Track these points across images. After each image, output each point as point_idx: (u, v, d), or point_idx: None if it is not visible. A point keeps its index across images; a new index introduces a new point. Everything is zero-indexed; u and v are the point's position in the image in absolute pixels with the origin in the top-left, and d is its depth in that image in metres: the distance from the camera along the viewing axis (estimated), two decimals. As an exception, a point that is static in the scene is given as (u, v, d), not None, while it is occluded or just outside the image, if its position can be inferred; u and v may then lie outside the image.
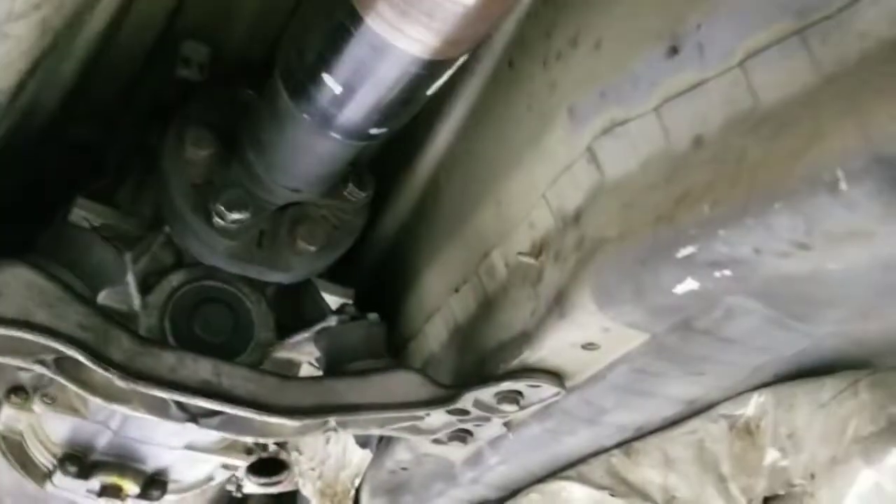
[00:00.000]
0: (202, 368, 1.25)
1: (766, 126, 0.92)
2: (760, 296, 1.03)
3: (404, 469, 1.90)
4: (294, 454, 2.55)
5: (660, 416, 1.39)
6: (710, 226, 0.96)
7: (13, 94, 1.10)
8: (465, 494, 1.84)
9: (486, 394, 1.38)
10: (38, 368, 1.23)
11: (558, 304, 1.21)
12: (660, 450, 1.40)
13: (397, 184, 1.64)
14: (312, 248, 1.36)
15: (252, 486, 2.62)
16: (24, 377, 1.62)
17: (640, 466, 1.43)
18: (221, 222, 1.27)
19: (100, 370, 1.16)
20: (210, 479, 1.85)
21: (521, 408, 1.39)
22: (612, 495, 1.45)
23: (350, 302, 1.54)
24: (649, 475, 1.42)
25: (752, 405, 1.27)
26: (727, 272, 0.98)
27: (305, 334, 1.47)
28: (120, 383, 1.18)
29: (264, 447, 1.69)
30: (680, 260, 1.00)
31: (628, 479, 1.44)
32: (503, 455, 1.64)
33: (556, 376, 1.32)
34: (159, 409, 1.31)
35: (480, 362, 1.45)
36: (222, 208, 1.26)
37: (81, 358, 1.15)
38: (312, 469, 2.36)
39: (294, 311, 1.52)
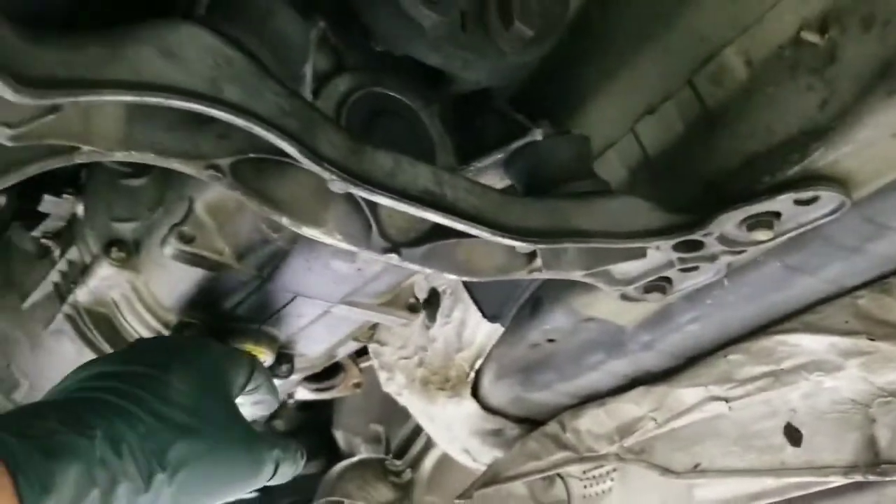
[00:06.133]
0: (422, 175, 0.97)
1: None
2: None
3: (551, 341, 1.65)
4: (373, 346, 2.30)
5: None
6: None
7: None
8: (628, 366, 1.60)
9: (734, 219, 1.13)
10: (208, 176, 0.93)
11: (885, 78, 0.95)
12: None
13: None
14: (530, 33, 1.07)
15: (304, 393, 2.37)
16: (124, 229, 1.31)
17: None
18: (433, -11, 0.98)
19: (313, 166, 0.87)
20: (332, 356, 1.58)
21: (774, 237, 1.15)
22: (872, 339, 1.22)
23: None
24: (924, 311, 1.20)
25: None
26: None
27: (499, 155, 1.18)
28: (336, 186, 0.89)
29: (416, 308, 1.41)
30: None
31: (890, 320, 1.21)
32: (702, 310, 1.40)
33: (841, 184, 1.07)
34: (357, 235, 1.02)
35: (710, 187, 1.20)
36: (438, -33, 0.96)
37: (291, 149, 0.85)
38: (405, 358, 2.10)
39: (467, 132, 1.23)
